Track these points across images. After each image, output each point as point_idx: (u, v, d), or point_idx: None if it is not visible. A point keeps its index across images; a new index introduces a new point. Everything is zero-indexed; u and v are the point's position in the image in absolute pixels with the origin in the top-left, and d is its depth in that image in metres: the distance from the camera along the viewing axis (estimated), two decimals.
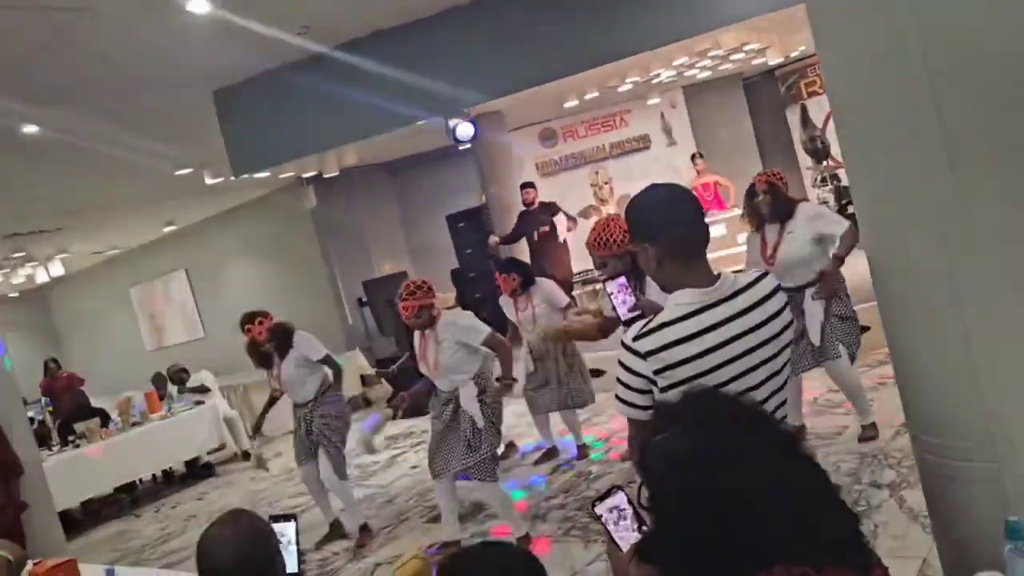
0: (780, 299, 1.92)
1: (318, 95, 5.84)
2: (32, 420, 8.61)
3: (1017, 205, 1.59)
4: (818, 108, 11.73)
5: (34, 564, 2.46)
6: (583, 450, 5.81)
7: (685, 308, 1.83)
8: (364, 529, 5.22)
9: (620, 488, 1.66)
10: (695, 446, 1.44)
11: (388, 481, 6.45)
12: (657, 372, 1.80)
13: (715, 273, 1.88)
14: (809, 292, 4.44)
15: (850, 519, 1.47)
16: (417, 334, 4.53)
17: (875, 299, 1.97)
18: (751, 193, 4.59)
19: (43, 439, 8.01)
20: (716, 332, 1.81)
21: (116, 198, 9.06)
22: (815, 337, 4.41)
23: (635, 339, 1.84)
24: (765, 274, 1.96)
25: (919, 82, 1.62)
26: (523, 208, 9.03)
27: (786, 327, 1.90)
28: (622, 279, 2.63)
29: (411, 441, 7.48)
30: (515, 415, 6.68)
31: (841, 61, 1.85)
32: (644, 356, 1.81)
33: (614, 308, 2.62)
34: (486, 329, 4.41)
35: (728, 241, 9.12)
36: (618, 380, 1.89)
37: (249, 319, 5.28)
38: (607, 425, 6.22)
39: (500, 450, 5.27)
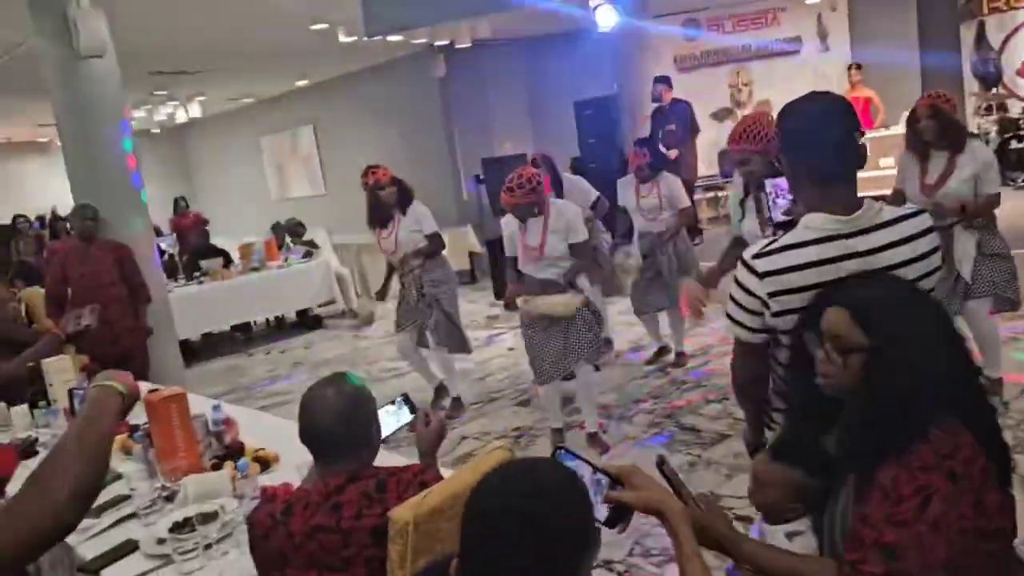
0: (929, 241, 1.75)
1: None
2: (162, 253, 9.20)
3: None
4: (997, 27, 10.56)
5: (149, 392, 2.62)
6: (680, 358, 5.74)
7: (813, 233, 1.72)
8: (456, 401, 5.38)
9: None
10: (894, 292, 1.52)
11: (484, 359, 6.59)
12: (771, 295, 1.73)
13: (859, 201, 1.73)
14: (959, 227, 4.05)
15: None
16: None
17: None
18: (913, 118, 4.09)
19: (171, 272, 8.56)
20: (840, 265, 1.68)
21: (253, 46, 9.20)
22: (967, 273, 4.00)
23: (755, 256, 1.76)
24: (920, 212, 1.79)
25: None
26: (654, 104, 8.68)
27: (927, 274, 1.73)
28: (782, 179, 2.45)
29: (511, 323, 7.56)
30: (615, 312, 6.65)
31: None
32: (761, 276, 1.74)
33: (768, 208, 2.48)
34: (586, 235, 4.34)
35: (870, 163, 8.53)
36: (731, 296, 1.83)
37: (373, 166, 5.24)
38: (708, 338, 6.10)
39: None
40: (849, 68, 9.63)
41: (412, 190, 5.22)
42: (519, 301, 4.30)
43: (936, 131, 3.97)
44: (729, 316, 1.86)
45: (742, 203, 3.39)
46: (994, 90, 10.35)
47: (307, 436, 1.83)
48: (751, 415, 2.10)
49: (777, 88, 10.43)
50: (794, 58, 10.82)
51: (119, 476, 2.70)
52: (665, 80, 8.65)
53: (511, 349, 6.74)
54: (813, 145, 1.74)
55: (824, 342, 1.49)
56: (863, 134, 1.81)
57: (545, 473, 1.16)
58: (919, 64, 10.86)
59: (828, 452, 1.57)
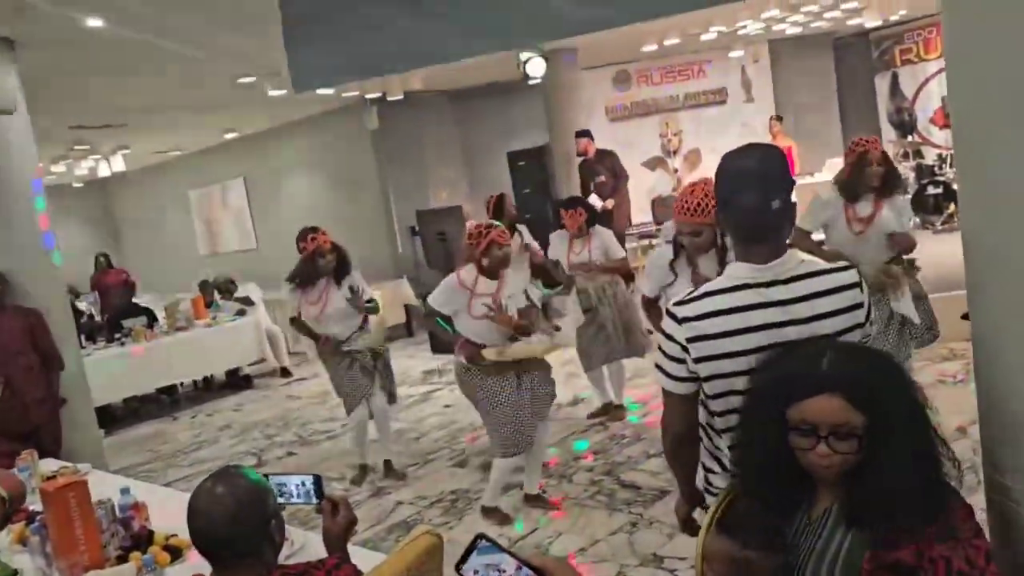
0: (852, 296, 1.76)
1: (386, 17, 5.60)
2: (82, 313, 8.79)
3: None
4: (910, 77, 11.07)
5: (47, 479, 2.41)
6: (619, 410, 5.66)
7: (731, 281, 1.76)
8: (388, 464, 5.19)
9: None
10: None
11: (419, 417, 6.41)
12: (690, 341, 1.75)
13: (781, 252, 1.75)
14: (897, 269, 4.08)
15: None
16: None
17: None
18: (864, 161, 3.99)
19: (91, 333, 8.16)
20: (757, 313, 1.71)
21: (178, 100, 8.99)
22: (914, 316, 4.01)
23: (677, 304, 1.80)
24: (848, 267, 1.81)
25: None
26: (578, 157, 8.78)
27: (848, 329, 1.73)
28: None
29: (447, 378, 7.41)
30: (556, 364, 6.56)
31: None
32: (680, 322, 1.77)
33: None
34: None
35: (800, 207, 8.72)
36: (659, 347, 1.87)
37: (312, 229, 4.97)
38: (649, 388, 6.05)
39: None
40: (770, 119, 9.92)
41: (350, 259, 5.02)
42: (488, 353, 3.95)
43: (883, 178, 4.01)
44: (657, 366, 1.88)
45: (672, 265, 3.32)
46: (910, 138, 10.77)
47: (200, 542, 1.66)
48: (683, 478, 2.05)
49: (706, 137, 10.68)
50: (721, 108, 11.10)
51: (14, 573, 2.46)
52: (586, 133, 8.72)
53: (448, 407, 6.58)
54: (736, 207, 1.76)
55: (823, 434, 1.42)
56: (790, 193, 1.79)
57: None
58: (838, 113, 11.29)
59: (781, 530, 1.52)
